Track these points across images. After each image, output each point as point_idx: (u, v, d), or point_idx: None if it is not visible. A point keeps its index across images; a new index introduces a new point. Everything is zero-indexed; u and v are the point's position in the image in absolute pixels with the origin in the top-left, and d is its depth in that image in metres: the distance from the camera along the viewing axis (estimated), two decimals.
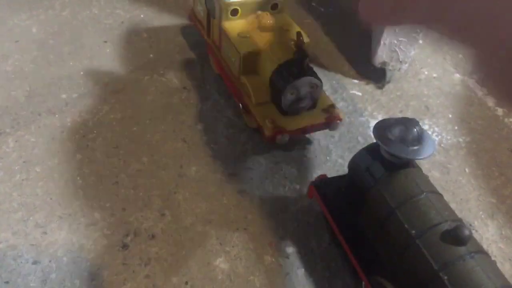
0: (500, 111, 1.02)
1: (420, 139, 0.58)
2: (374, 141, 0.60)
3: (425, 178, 0.60)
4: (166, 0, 1.18)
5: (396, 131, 0.58)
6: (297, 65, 0.78)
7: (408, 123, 0.58)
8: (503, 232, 0.78)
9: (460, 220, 0.56)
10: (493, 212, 0.82)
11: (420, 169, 0.61)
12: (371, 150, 0.63)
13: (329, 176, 0.74)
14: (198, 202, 0.76)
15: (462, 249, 0.52)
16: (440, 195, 0.59)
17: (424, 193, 0.58)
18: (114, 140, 0.83)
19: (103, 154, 0.80)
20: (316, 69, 1.03)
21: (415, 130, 0.58)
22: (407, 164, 0.60)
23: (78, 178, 0.76)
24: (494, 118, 1.00)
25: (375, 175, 0.60)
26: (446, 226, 0.54)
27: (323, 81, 1.01)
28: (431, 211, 0.56)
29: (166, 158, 0.81)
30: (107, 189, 0.75)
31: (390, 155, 0.59)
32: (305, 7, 1.23)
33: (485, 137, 0.95)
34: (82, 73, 0.95)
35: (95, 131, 0.84)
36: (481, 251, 0.53)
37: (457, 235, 0.52)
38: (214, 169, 0.81)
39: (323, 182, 0.72)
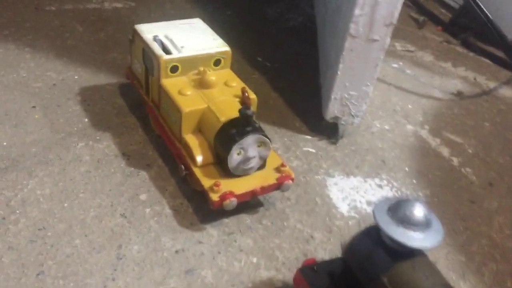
0: (455, 161, 1.00)
1: (426, 222, 0.51)
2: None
3: (434, 268, 0.53)
4: (104, 59, 1.10)
5: (399, 214, 0.50)
6: (243, 122, 0.72)
7: (412, 204, 0.51)
8: None
9: None
10: (463, 272, 0.76)
11: (427, 257, 0.54)
12: (371, 234, 0.55)
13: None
14: None
15: None
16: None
17: None
18: (40, 220, 0.72)
19: (26, 238, 0.69)
20: (266, 126, 0.98)
21: (421, 212, 0.50)
22: (413, 251, 0.52)
23: None
24: (450, 169, 0.97)
25: (377, 266, 0.52)
26: None
27: (274, 139, 0.97)
28: None
29: (102, 238, 0.71)
30: (30, 281, 0.64)
31: (393, 242, 0.51)
32: (251, 62, 1.20)
33: (444, 189, 0.92)
34: (5, 143, 0.84)
35: (18, 211, 0.73)
36: None
37: None
38: (159, 246, 0.71)
39: (313, 269, 0.62)
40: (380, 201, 0.54)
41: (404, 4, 1.69)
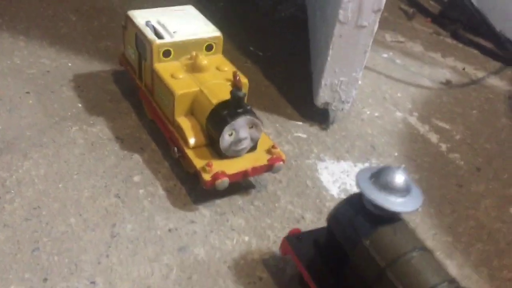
0: (443, 147, 1.02)
1: (407, 188, 0.53)
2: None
3: (414, 233, 0.55)
4: (97, 47, 1.11)
5: (381, 180, 0.52)
6: (234, 104, 0.73)
7: (393, 171, 0.53)
8: (464, 272, 0.75)
9: (456, 281, 0.51)
10: (450, 251, 0.78)
11: (407, 222, 0.56)
12: (353, 202, 0.57)
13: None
14: (134, 265, 0.67)
15: None
16: (431, 251, 0.54)
17: (416, 250, 0.52)
18: (35, 200, 0.73)
19: (21, 217, 0.70)
20: (258, 113, 0.99)
21: (402, 179, 0.52)
22: (393, 217, 0.54)
23: None
24: (439, 154, 0.99)
25: (360, 230, 0.54)
26: None
27: (266, 124, 0.98)
28: (427, 271, 0.50)
29: (96, 216, 0.72)
30: (26, 257, 0.65)
31: (375, 207, 0.53)
32: (243, 51, 1.21)
33: (433, 174, 0.94)
34: (0, 127, 0.85)
35: (13, 191, 0.74)
36: None
37: None
38: (152, 225, 0.73)
39: (298, 237, 0.64)
40: (363, 169, 0.56)
41: None
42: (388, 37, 1.42)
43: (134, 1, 1.33)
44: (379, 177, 0.53)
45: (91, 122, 0.90)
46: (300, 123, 1.01)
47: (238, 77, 0.79)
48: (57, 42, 1.10)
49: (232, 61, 0.88)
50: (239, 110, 0.74)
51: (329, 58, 0.91)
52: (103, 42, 1.13)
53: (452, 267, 0.75)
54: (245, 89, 0.81)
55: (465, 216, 0.86)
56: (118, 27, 1.17)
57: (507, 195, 0.92)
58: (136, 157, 0.84)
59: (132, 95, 0.97)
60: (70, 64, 1.04)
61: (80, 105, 0.94)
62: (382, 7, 0.85)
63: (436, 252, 0.77)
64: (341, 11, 0.85)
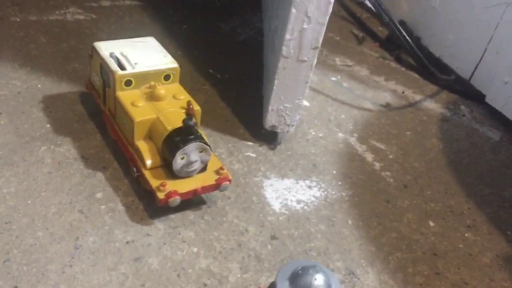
0: (377, 166, 1.15)
1: None
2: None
3: None
4: (66, 69, 1.20)
5: (302, 284, 0.53)
6: (186, 131, 0.84)
7: (311, 274, 0.54)
8: (381, 278, 0.87)
9: None
10: (373, 259, 0.91)
11: None
12: None
13: None
14: (95, 274, 0.77)
15: None
16: None
17: None
18: (6, 215, 0.82)
19: None
20: (213, 133, 1.11)
21: (321, 281, 0.53)
22: None
23: None
24: (372, 172, 1.12)
25: None
26: None
27: (219, 144, 1.09)
28: None
29: (61, 230, 0.82)
30: None
31: None
32: (203, 74, 1.32)
33: (365, 190, 1.07)
34: None
35: None
36: None
37: None
38: (112, 238, 0.83)
39: None
40: (281, 272, 0.57)
41: (346, 20, 1.84)
42: (338, 60, 1.55)
43: (101, 23, 1.42)
44: (299, 280, 0.54)
45: (59, 142, 0.99)
46: (251, 143, 1.12)
47: (191, 106, 0.90)
48: (28, 64, 1.19)
49: (192, 83, 0.99)
50: (190, 137, 0.85)
51: (275, 87, 1.03)
52: (72, 64, 1.22)
53: (372, 274, 0.88)
54: (198, 116, 0.92)
55: (389, 228, 0.98)
56: (85, 50, 1.27)
57: (428, 209, 1.05)
58: (99, 175, 0.94)
59: (97, 116, 1.06)
60: (39, 86, 1.13)
61: (48, 125, 1.02)
62: (319, 45, 0.97)
63: (360, 260, 0.90)
64: (284, 48, 0.97)
